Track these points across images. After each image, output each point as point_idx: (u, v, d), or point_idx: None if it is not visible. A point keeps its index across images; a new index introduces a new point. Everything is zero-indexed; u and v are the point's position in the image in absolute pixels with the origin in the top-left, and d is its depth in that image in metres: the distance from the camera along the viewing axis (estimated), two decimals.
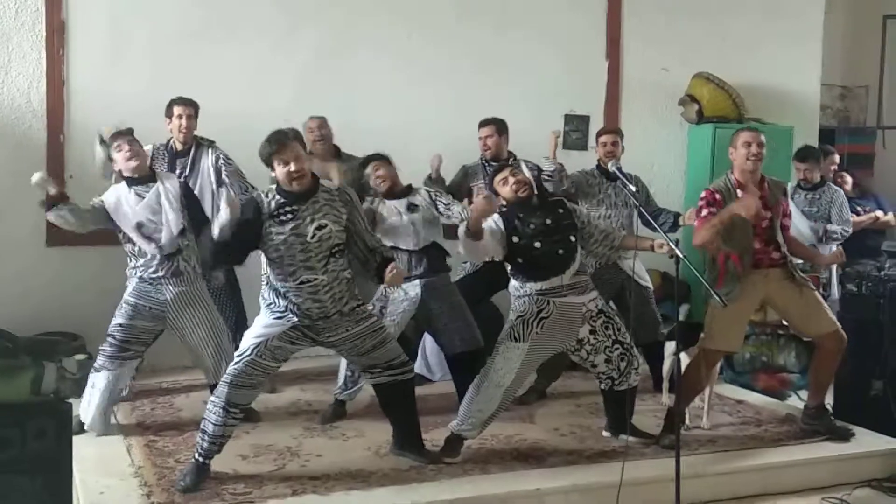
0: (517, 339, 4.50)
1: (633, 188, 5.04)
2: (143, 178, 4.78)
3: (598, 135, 5.93)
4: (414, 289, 5.07)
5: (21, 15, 5.95)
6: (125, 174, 4.78)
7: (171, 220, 4.74)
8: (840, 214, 6.58)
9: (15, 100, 5.97)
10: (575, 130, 7.22)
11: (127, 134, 4.85)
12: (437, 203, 5.17)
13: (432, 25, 6.82)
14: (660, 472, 4.25)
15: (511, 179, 4.58)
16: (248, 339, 4.17)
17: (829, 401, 5.13)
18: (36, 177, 4.67)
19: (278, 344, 4.16)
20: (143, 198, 4.73)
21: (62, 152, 6.06)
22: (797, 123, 7.36)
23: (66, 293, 5.80)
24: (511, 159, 6.00)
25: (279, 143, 4.06)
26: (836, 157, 7.54)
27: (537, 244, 4.50)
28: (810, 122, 7.80)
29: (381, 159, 5.19)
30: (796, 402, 5.72)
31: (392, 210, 5.10)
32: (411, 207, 5.13)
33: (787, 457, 4.73)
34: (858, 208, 7.16)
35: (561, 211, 4.61)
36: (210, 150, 5.55)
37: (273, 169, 4.12)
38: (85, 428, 4.79)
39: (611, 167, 5.49)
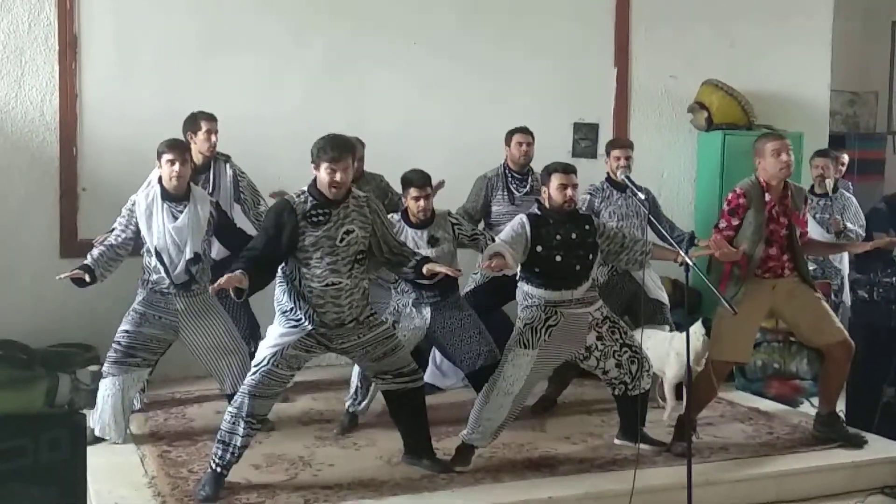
0: (526, 345, 4.51)
1: (643, 196, 5.05)
2: (178, 196, 4.78)
3: (611, 147, 5.92)
4: (425, 311, 5.03)
5: (34, 29, 6.01)
6: (164, 185, 4.76)
7: (187, 249, 4.75)
8: (855, 219, 6.55)
9: (28, 113, 6.02)
10: (584, 139, 7.23)
11: (185, 150, 4.81)
12: (460, 236, 5.08)
13: (439, 36, 6.84)
14: (672, 480, 4.26)
15: (570, 189, 4.56)
16: (264, 350, 4.20)
17: (841, 408, 5.12)
18: (60, 278, 4.71)
19: (294, 353, 4.20)
20: (176, 218, 4.73)
21: (75, 165, 6.10)
22: (807, 130, 7.35)
23: (80, 304, 5.82)
24: (531, 171, 6.03)
25: (339, 152, 4.11)
26: (845, 158, 7.51)
27: (558, 257, 4.52)
28: (820, 128, 7.78)
29: (424, 185, 4.95)
30: (808, 409, 5.70)
31: (411, 240, 4.91)
32: (432, 241, 4.97)
33: (799, 464, 4.72)
34: None
35: (587, 227, 4.62)
36: (227, 165, 5.58)
37: (318, 168, 4.14)
38: (97, 434, 4.79)
39: (620, 176, 5.51)
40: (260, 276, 4.07)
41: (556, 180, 4.56)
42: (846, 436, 4.91)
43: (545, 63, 7.06)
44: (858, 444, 4.88)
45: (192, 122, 5.48)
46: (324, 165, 4.11)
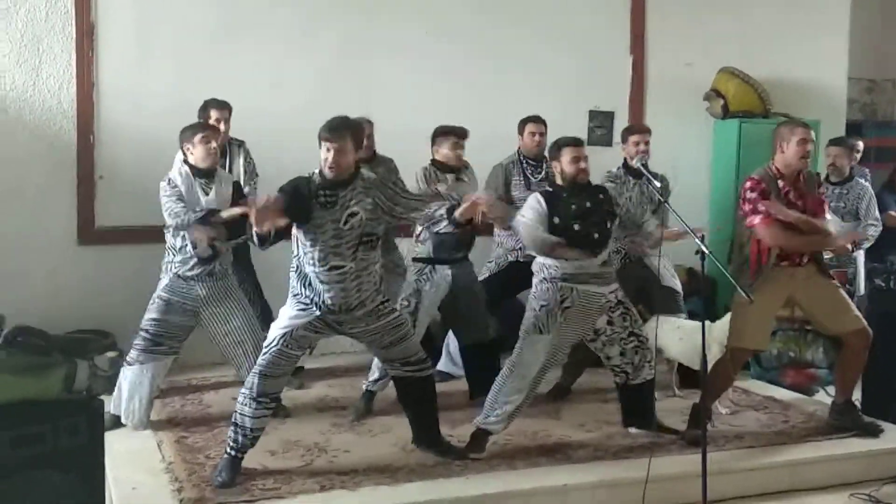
0: (542, 331, 4.54)
1: (658, 184, 5.04)
2: (208, 172, 4.85)
3: (628, 134, 5.92)
4: (445, 273, 5.15)
5: (51, 17, 6.03)
6: (195, 164, 4.82)
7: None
8: (868, 210, 6.49)
9: (46, 101, 6.05)
10: (599, 127, 7.22)
11: (215, 129, 4.95)
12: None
13: (452, 24, 6.83)
14: (686, 468, 4.26)
15: (582, 161, 4.62)
16: (275, 331, 4.24)
17: (857, 396, 5.11)
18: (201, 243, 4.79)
19: (303, 333, 4.23)
20: (207, 193, 4.81)
21: (92, 153, 6.13)
22: (824, 117, 7.29)
23: (98, 291, 5.87)
24: (545, 158, 6.03)
25: (330, 130, 4.14)
26: (860, 145, 7.46)
27: (576, 226, 4.55)
28: (837, 116, 7.73)
29: (461, 136, 5.25)
30: (824, 397, 5.69)
31: (441, 185, 5.16)
32: (458, 180, 5.25)
33: (814, 453, 4.72)
34: None
35: (601, 196, 4.67)
36: (240, 150, 5.63)
37: (320, 147, 4.17)
38: (123, 422, 4.83)
39: (636, 163, 5.49)
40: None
41: (567, 154, 4.61)
42: (862, 424, 4.90)
43: (560, 51, 7.04)
44: (874, 432, 4.87)
45: (203, 110, 5.55)
46: (322, 145, 4.15)
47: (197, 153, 4.82)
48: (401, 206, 4.31)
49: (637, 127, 6.10)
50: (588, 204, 4.60)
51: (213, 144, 4.83)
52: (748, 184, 4.70)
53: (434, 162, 5.27)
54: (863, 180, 6.67)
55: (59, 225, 6.05)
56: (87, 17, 6.07)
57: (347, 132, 4.16)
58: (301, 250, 4.22)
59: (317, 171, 4.23)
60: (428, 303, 5.13)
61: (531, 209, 4.57)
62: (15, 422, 3.16)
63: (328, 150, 4.12)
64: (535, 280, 4.68)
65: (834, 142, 6.63)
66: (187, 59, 6.28)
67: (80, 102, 6.09)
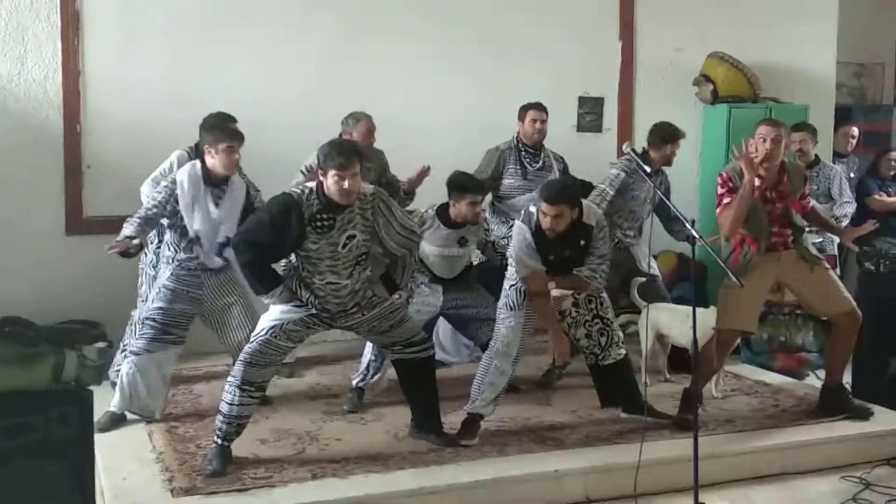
0: (512, 307, 4.59)
1: (648, 169, 5.00)
2: (220, 181, 4.71)
3: (672, 138, 5.65)
4: (438, 290, 5.19)
5: (36, 5, 5.96)
6: (216, 171, 4.67)
7: (221, 234, 4.70)
8: (840, 191, 6.50)
9: (32, 91, 6.00)
10: (589, 113, 7.20)
11: (243, 139, 4.73)
12: (487, 247, 5.36)
13: (446, 9, 6.79)
14: (677, 453, 4.28)
15: (550, 220, 4.39)
16: (265, 322, 4.22)
17: (847, 380, 5.13)
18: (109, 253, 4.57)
19: (294, 328, 4.22)
20: (217, 204, 4.68)
21: (79, 142, 6.08)
22: (813, 102, 7.31)
23: (86, 281, 5.84)
24: (543, 147, 6.00)
25: (347, 159, 4.00)
26: (855, 131, 7.49)
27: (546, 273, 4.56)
28: (826, 101, 7.74)
29: (480, 193, 5.10)
30: (814, 381, 5.71)
31: (442, 238, 5.08)
32: (461, 242, 5.16)
33: (805, 436, 4.73)
34: (891, 191, 7.15)
35: (583, 242, 4.54)
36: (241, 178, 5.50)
37: (325, 174, 4.05)
38: (134, 411, 4.73)
39: (625, 148, 5.45)
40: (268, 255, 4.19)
41: (543, 207, 4.44)
42: (852, 408, 4.92)
43: (550, 37, 7.02)
44: (864, 415, 4.88)
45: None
46: (331, 173, 4.02)
47: (219, 160, 4.65)
48: (392, 241, 4.27)
49: (681, 131, 5.71)
50: (567, 253, 4.54)
51: (237, 157, 4.66)
52: (719, 180, 4.73)
53: (444, 212, 5.09)
54: (829, 163, 6.68)
55: (46, 215, 6.01)
56: (73, 4, 6.01)
57: (357, 158, 4.06)
58: (296, 260, 4.20)
59: (309, 188, 4.14)
60: (420, 300, 5.11)
61: (527, 247, 4.48)
62: (4, 412, 3.14)
63: (341, 178, 3.99)
64: (508, 270, 4.72)
65: (797, 127, 6.55)
66: (176, 47, 6.22)
67: (66, 91, 6.03)
